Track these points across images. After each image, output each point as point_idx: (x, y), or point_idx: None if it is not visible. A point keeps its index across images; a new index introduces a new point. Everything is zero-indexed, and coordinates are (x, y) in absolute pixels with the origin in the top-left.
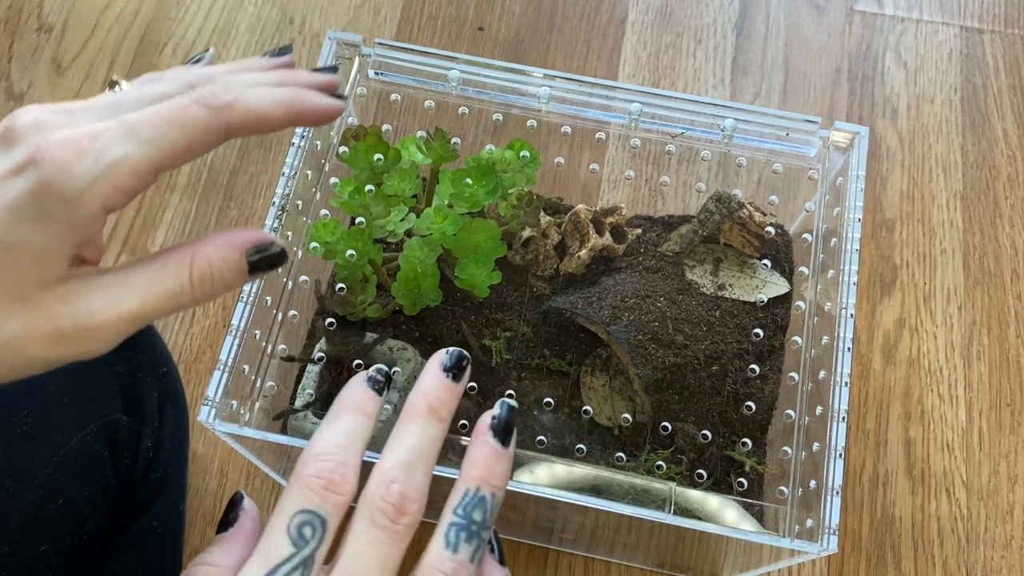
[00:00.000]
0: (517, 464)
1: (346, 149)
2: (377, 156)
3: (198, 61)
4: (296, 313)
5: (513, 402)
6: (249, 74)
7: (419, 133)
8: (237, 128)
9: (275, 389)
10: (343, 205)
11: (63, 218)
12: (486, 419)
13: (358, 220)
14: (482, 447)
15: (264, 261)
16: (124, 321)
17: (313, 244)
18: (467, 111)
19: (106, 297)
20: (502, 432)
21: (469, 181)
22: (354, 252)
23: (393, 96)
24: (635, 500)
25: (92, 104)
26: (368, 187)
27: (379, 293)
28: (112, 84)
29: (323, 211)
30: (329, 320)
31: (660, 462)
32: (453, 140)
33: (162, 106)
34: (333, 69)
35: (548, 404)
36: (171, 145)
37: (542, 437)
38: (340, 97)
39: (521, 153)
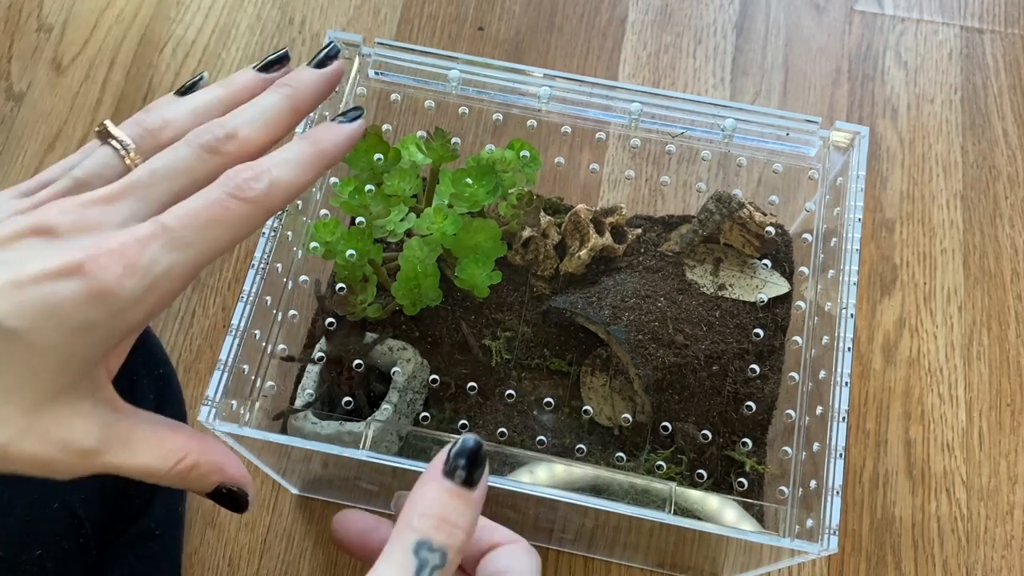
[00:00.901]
0: (517, 464)
1: None
2: (377, 156)
3: (192, 87)
4: (296, 313)
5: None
6: (253, 108)
7: (419, 133)
8: (277, 208)
9: (275, 389)
10: (343, 205)
11: (104, 328)
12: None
13: (358, 220)
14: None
15: (226, 500)
16: (98, 468)
17: (313, 244)
18: (467, 111)
19: (101, 444)
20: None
21: (469, 181)
22: (354, 252)
23: (393, 96)
24: (635, 500)
25: (119, 191)
26: (368, 187)
27: (379, 293)
28: (105, 135)
29: (323, 211)
30: (329, 320)
31: (660, 462)
32: (453, 140)
33: (201, 206)
34: (332, 55)
35: (548, 404)
36: (216, 244)
37: (542, 437)
38: (356, 112)
39: (521, 153)
